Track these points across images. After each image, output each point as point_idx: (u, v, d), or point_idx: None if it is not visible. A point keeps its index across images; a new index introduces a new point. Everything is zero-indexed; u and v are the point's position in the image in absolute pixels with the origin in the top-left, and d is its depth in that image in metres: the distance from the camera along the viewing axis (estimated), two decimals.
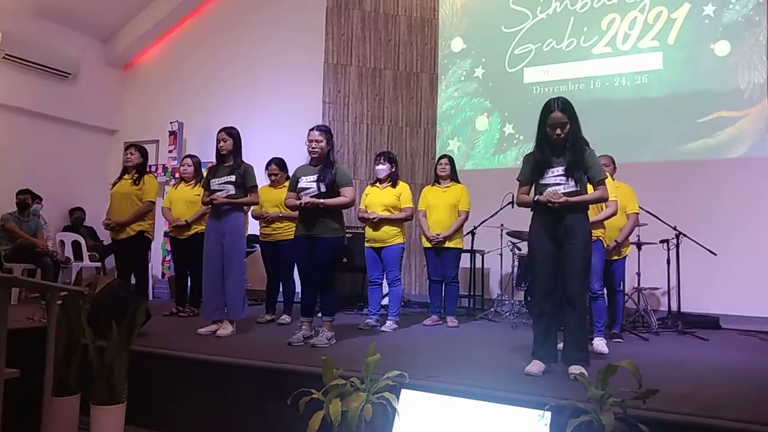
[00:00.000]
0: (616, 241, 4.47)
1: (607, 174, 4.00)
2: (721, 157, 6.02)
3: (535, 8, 7.08)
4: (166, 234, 7.39)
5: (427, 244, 5.19)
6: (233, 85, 7.98)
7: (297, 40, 7.59)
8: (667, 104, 6.29)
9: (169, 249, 7.52)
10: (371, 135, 7.31)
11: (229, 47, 8.11)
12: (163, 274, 7.82)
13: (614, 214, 4.12)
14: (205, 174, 4.74)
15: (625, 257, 4.65)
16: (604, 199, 3.35)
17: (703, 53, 6.19)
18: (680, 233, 5.15)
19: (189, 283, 5.58)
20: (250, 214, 5.59)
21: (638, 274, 5.34)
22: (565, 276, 3.16)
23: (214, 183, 4.41)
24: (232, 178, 4.37)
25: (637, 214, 4.69)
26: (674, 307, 5.36)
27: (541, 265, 3.24)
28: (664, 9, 6.39)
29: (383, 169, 4.95)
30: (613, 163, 4.78)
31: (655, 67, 6.40)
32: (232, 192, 4.36)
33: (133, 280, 5.18)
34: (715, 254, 5.17)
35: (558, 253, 3.19)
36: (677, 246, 5.21)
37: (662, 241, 5.25)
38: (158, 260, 7.82)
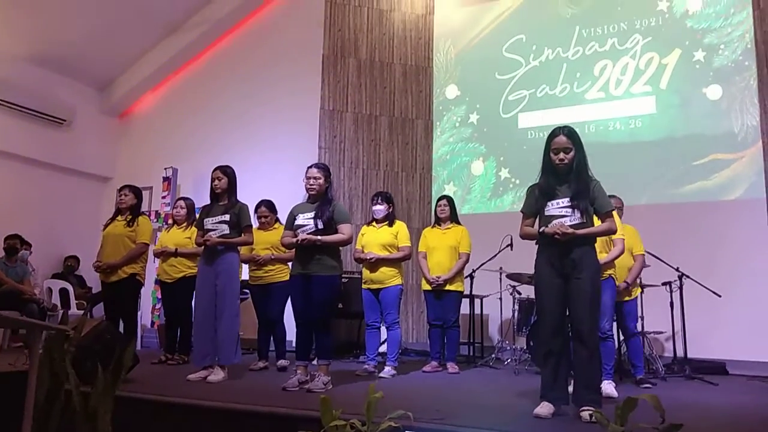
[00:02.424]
0: (626, 282, 4.36)
1: (616, 214, 3.92)
2: (718, 199, 6.01)
3: (527, 56, 7.21)
4: (157, 281, 7.26)
5: (427, 287, 5.06)
6: (229, 130, 8.00)
7: (293, 87, 7.65)
8: (662, 147, 6.32)
9: (160, 297, 7.34)
10: (367, 180, 7.29)
11: (225, 93, 8.17)
12: (153, 323, 7.59)
13: (622, 252, 4.02)
14: (199, 216, 4.64)
15: (636, 298, 4.52)
16: (612, 231, 3.25)
17: (695, 97, 6.27)
18: (683, 275, 5.05)
19: (179, 331, 5.38)
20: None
21: (641, 318, 5.20)
22: (574, 312, 3.04)
23: (208, 222, 4.30)
24: (227, 217, 4.27)
25: (644, 255, 4.60)
26: (680, 352, 5.21)
27: (548, 301, 3.12)
28: (655, 55, 6.52)
29: (381, 209, 4.87)
30: (622, 204, 4.70)
31: (648, 111, 6.47)
32: (226, 232, 4.25)
33: (121, 326, 4.98)
34: (720, 296, 5.07)
35: (565, 288, 3.08)
36: (680, 288, 5.11)
37: (665, 284, 5.14)
38: (148, 308, 7.61)
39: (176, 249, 5.26)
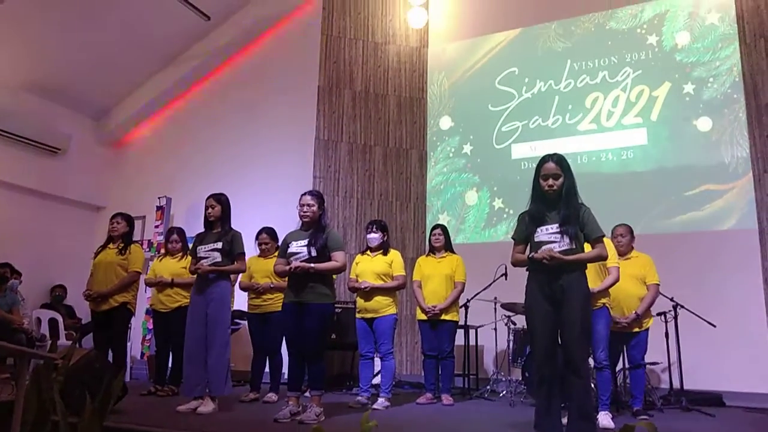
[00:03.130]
0: (636, 312, 4.32)
1: (608, 241, 3.90)
2: (711, 229, 6.05)
3: (520, 88, 7.31)
4: (148, 311, 7.17)
5: (422, 317, 5.00)
6: (223, 160, 8.03)
7: (288, 117, 7.72)
8: (654, 178, 6.38)
9: (150, 327, 7.24)
10: (361, 209, 7.29)
11: (220, 123, 8.23)
12: (143, 354, 7.47)
13: (616, 280, 4.00)
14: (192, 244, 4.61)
15: (647, 329, 4.45)
16: (602, 258, 3.25)
17: (686, 129, 6.36)
18: (678, 305, 5.04)
19: (170, 362, 5.29)
20: (237, 286, 5.41)
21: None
22: (565, 339, 3.02)
23: (201, 250, 4.28)
24: (219, 245, 4.24)
25: (658, 285, 4.52)
26: (676, 383, 5.15)
27: (538, 328, 3.10)
28: (645, 88, 6.63)
29: (375, 237, 4.85)
30: (630, 233, 4.65)
31: (640, 143, 6.55)
32: (219, 259, 4.22)
33: (110, 356, 4.90)
34: (715, 326, 5.05)
35: (556, 315, 3.05)
36: (675, 318, 5.08)
37: (660, 314, 5.11)
38: (138, 339, 7.50)
39: (172, 279, 5.22)
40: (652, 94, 6.58)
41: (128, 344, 5.22)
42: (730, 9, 6.37)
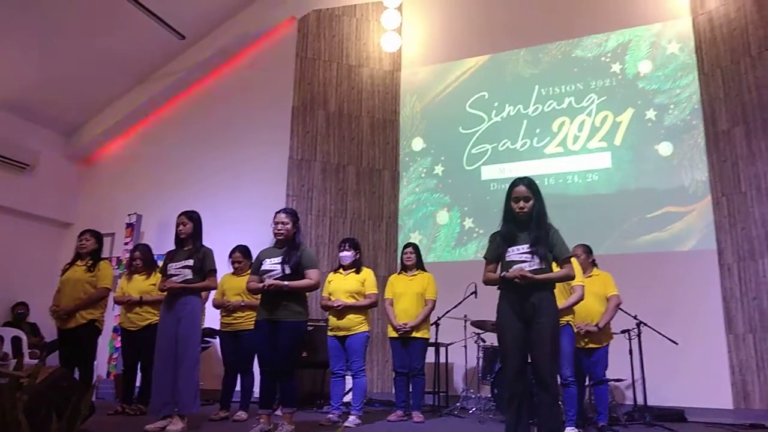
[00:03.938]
0: (597, 325, 4.44)
1: (575, 261, 4.03)
2: (672, 249, 6.27)
3: (490, 112, 7.50)
4: (115, 329, 7.06)
5: (393, 334, 5.06)
6: (196, 177, 7.99)
7: (262, 137, 7.75)
8: (618, 200, 6.59)
9: (118, 346, 7.11)
10: (334, 228, 7.35)
11: (193, 141, 8.21)
12: (109, 373, 7.32)
13: (581, 299, 4.13)
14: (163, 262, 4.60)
15: (607, 345, 4.57)
16: (570, 277, 3.37)
17: (648, 153, 6.61)
18: (641, 323, 5.20)
19: (138, 380, 5.22)
20: (211, 304, 5.39)
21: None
22: (535, 356, 3.11)
23: (171, 267, 4.27)
24: (190, 262, 4.24)
25: (617, 295, 4.65)
26: (639, 400, 5.29)
27: (509, 346, 3.18)
28: (609, 113, 6.87)
29: (348, 255, 4.90)
30: (586, 252, 4.79)
31: (604, 166, 6.77)
32: (189, 277, 4.22)
33: (76, 374, 4.81)
34: (677, 343, 5.21)
35: (526, 333, 3.15)
36: (638, 336, 5.24)
37: (624, 332, 5.27)
38: (104, 358, 7.35)
39: (141, 297, 5.17)
40: (615, 119, 6.83)
41: (95, 362, 5.14)
42: (690, 40, 6.68)
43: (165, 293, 4.28)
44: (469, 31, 7.81)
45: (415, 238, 7.38)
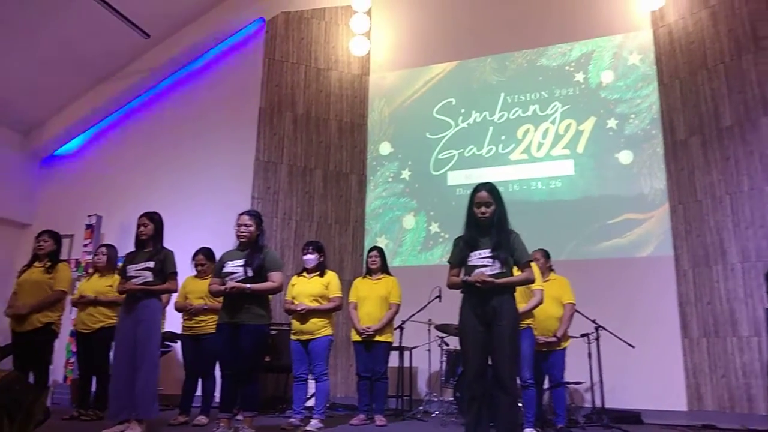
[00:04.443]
0: (555, 335, 4.54)
1: (534, 265, 4.11)
2: (631, 255, 6.42)
3: (456, 118, 7.58)
4: (73, 333, 6.88)
5: (357, 338, 5.06)
6: (159, 179, 7.86)
7: (228, 137, 7.67)
8: (580, 207, 6.73)
9: (75, 350, 6.94)
10: (300, 231, 7.31)
11: (158, 141, 8.07)
12: (65, 378, 7.13)
13: (540, 302, 4.21)
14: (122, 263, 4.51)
15: (564, 349, 4.68)
16: (530, 281, 3.44)
17: (609, 161, 6.77)
18: (599, 326, 5.31)
19: (94, 385, 5.10)
20: (173, 307, 5.31)
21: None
22: (495, 358, 3.15)
23: (131, 269, 4.19)
24: (151, 264, 4.17)
25: (573, 304, 4.81)
26: (598, 402, 5.40)
27: (471, 348, 3.23)
28: (572, 122, 7.02)
29: (311, 258, 4.88)
30: (546, 256, 4.92)
31: (567, 173, 6.91)
32: (150, 279, 4.15)
33: (31, 379, 4.68)
34: (633, 347, 5.34)
35: (487, 336, 3.20)
36: (597, 340, 5.35)
37: (583, 335, 5.37)
38: (61, 362, 7.16)
39: (95, 297, 5.06)
40: (578, 127, 6.98)
41: (50, 367, 5.00)
42: (650, 51, 6.87)
43: (123, 295, 4.20)
44: (437, 38, 7.88)
45: (381, 242, 7.39)
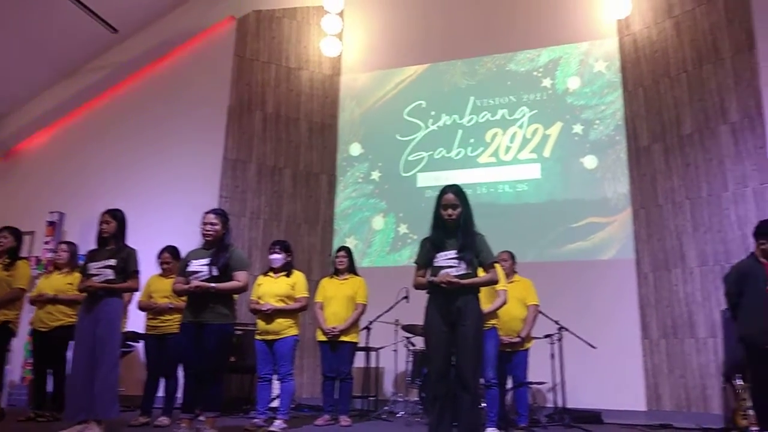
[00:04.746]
0: (519, 336, 4.61)
1: (498, 266, 4.18)
2: (595, 258, 6.56)
3: (426, 120, 7.64)
4: (31, 332, 6.71)
5: (322, 338, 5.05)
6: (125, 175, 7.71)
7: (196, 135, 7.57)
8: (546, 210, 6.85)
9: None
10: (268, 230, 7.26)
11: (124, 137, 7.92)
12: (23, 378, 6.95)
13: (504, 303, 4.27)
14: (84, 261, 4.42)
15: (527, 349, 4.76)
16: (494, 282, 3.49)
17: (574, 166, 6.90)
18: (562, 327, 5.40)
19: (51, 385, 4.99)
20: (133, 306, 5.22)
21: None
22: (459, 358, 3.19)
23: (92, 267, 4.11)
24: (112, 262, 4.09)
25: (537, 305, 4.89)
26: (560, 402, 5.49)
27: (435, 347, 3.26)
28: (540, 126, 7.13)
29: (278, 258, 4.84)
30: (512, 258, 5.00)
31: (533, 177, 7.02)
32: (111, 277, 4.07)
33: None
34: (595, 347, 5.44)
35: (451, 336, 3.23)
36: (560, 341, 5.45)
37: (546, 336, 5.46)
38: (18, 362, 6.97)
39: (55, 295, 4.94)
40: (545, 132, 7.10)
41: (6, 367, 4.87)
42: (616, 59, 7.03)
43: (83, 294, 4.11)
44: (408, 40, 7.92)
45: (350, 243, 7.39)
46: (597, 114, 6.98)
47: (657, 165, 6.52)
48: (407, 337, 5.80)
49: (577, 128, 6.99)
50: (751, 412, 4.12)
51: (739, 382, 4.36)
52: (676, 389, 5.95)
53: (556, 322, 5.39)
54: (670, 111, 6.55)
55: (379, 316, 5.78)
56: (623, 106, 6.87)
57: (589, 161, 6.86)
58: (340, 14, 8.08)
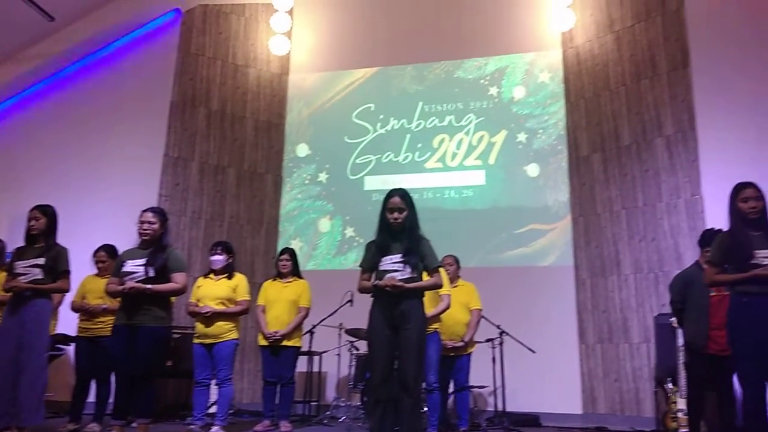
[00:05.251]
0: (463, 340, 4.65)
1: (443, 270, 4.19)
2: (536, 264, 6.71)
3: (375, 124, 7.63)
4: None
5: (264, 342, 4.93)
6: (59, 169, 7.35)
7: (137, 131, 7.30)
8: (490, 216, 6.96)
9: None
10: (209, 231, 7.07)
11: (58, 130, 7.55)
12: None
13: (447, 307, 4.30)
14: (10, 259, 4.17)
15: (470, 354, 4.80)
16: (438, 286, 3.51)
17: (518, 173, 7.04)
18: (503, 332, 5.49)
19: None
20: (63, 308, 4.97)
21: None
22: (401, 361, 3.18)
23: (19, 266, 3.88)
24: (41, 261, 3.88)
25: (480, 310, 4.95)
26: (499, 406, 5.57)
27: (378, 350, 3.25)
28: (485, 134, 7.25)
29: (220, 259, 4.71)
30: (457, 263, 5.06)
31: (478, 183, 7.13)
32: (39, 277, 3.86)
33: None
34: (534, 352, 5.55)
35: (395, 339, 3.22)
36: (501, 345, 5.53)
37: (488, 340, 5.53)
38: None
39: None
40: (491, 140, 7.22)
41: None
42: (559, 71, 7.22)
43: (9, 294, 3.88)
44: (358, 43, 7.90)
45: (295, 245, 7.27)
46: (540, 123, 7.15)
47: (596, 175, 6.73)
48: (351, 341, 5.76)
49: (521, 137, 7.14)
50: (680, 415, 4.29)
51: (670, 386, 4.54)
52: (611, 393, 6.14)
53: (498, 327, 5.47)
54: (610, 123, 6.78)
55: (322, 320, 5.72)
56: (565, 117, 7.06)
57: (532, 169, 7.02)
58: (290, 12, 7.98)
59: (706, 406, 4.11)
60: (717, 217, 4.03)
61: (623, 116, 6.69)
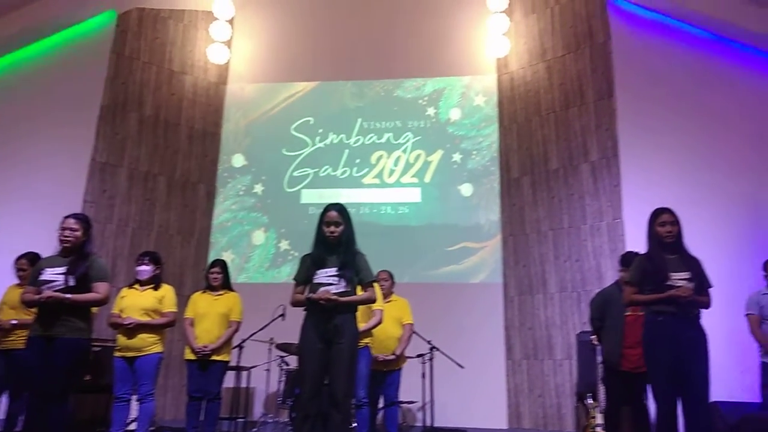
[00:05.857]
0: (394, 353, 4.67)
1: (377, 285, 4.23)
2: (466, 281, 6.87)
3: (314, 137, 7.63)
4: None
5: (191, 356, 4.77)
6: None
7: (62, 134, 6.94)
8: (424, 233, 7.08)
9: None
10: (137, 240, 6.81)
11: None
12: None
13: (380, 322, 4.33)
14: None
15: (400, 369, 4.83)
16: (372, 300, 3.53)
17: (452, 192, 7.21)
18: (434, 347, 5.56)
19: None
20: None
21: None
22: (332, 376, 3.17)
23: None
24: None
25: (412, 324, 5.00)
26: (428, 421, 5.62)
27: (309, 365, 3.23)
28: (422, 152, 7.39)
29: (146, 270, 4.54)
30: (392, 278, 5.11)
31: (414, 200, 7.25)
32: None
33: None
34: (463, 367, 5.64)
35: (326, 354, 3.21)
36: (431, 360, 5.60)
37: (419, 356, 5.59)
38: None
39: None
40: (427, 158, 7.36)
41: None
42: (494, 95, 7.47)
43: None
44: (299, 56, 7.89)
45: (227, 257, 7.10)
46: (475, 145, 7.36)
47: (525, 196, 6.98)
48: (281, 356, 5.67)
49: (457, 157, 7.32)
50: (599, 429, 4.47)
51: (590, 401, 4.73)
52: (535, 408, 6.33)
53: (429, 342, 5.53)
54: (539, 147, 7.06)
55: (253, 334, 5.59)
56: (498, 140, 7.31)
57: (466, 189, 7.21)
58: (230, 22, 7.89)
59: (622, 421, 4.30)
60: (636, 239, 4.25)
61: (552, 141, 6.99)
